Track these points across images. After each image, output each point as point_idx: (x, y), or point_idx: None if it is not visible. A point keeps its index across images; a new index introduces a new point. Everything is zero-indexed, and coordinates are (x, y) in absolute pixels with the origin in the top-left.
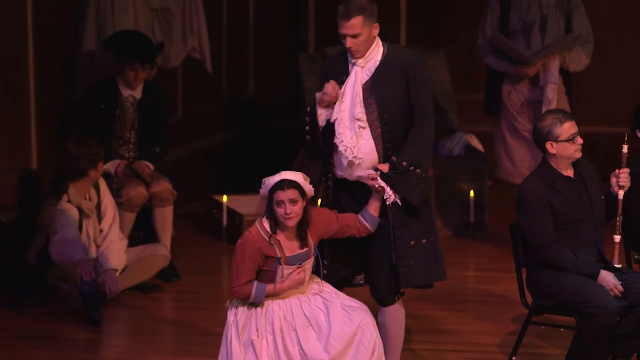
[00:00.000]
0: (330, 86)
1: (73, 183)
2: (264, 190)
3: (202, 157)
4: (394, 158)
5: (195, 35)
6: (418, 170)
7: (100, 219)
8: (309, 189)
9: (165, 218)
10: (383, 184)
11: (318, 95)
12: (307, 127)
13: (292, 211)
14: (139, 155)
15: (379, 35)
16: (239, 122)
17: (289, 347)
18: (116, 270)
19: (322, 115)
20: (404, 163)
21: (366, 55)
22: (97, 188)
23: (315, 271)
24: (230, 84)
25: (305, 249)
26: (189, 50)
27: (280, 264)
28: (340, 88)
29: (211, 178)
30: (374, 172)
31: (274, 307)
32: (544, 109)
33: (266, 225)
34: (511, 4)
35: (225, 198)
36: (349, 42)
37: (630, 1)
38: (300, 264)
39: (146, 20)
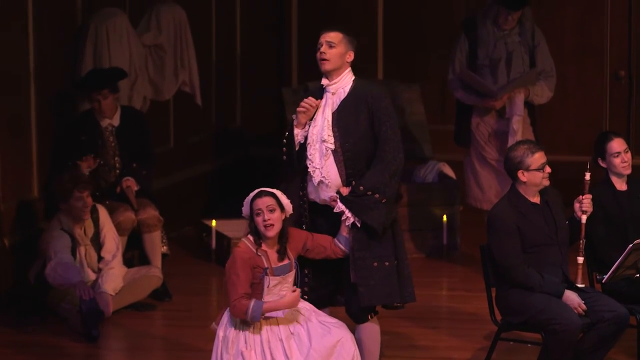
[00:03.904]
0: (308, 99)
1: (63, 208)
2: (245, 207)
3: (192, 184)
4: (354, 182)
5: (185, 70)
6: (377, 196)
7: (99, 247)
8: (286, 202)
9: (153, 243)
10: (342, 207)
11: (297, 110)
12: (284, 148)
13: (270, 218)
14: (123, 173)
15: (358, 71)
16: (226, 151)
17: (276, 356)
18: (111, 295)
19: (298, 135)
20: (361, 187)
21: (337, 81)
22: (95, 219)
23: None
24: (219, 116)
25: (287, 261)
26: (180, 84)
27: (267, 274)
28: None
29: (201, 204)
30: (335, 195)
31: (261, 320)
32: (509, 140)
33: (252, 240)
34: (478, 42)
35: (214, 222)
36: (324, 48)
37: (591, 38)
38: (284, 276)
39: (140, 55)
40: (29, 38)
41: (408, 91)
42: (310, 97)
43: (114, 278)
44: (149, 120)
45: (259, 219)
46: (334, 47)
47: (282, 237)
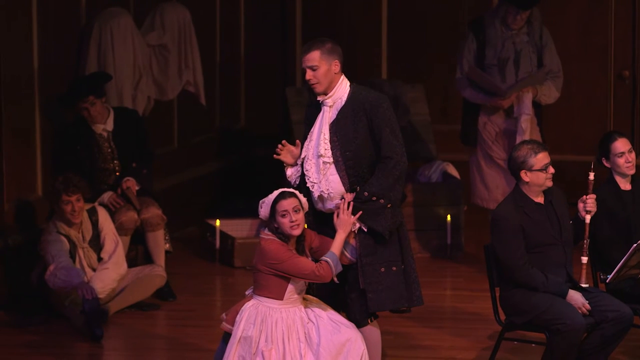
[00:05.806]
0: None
1: (57, 211)
2: (265, 208)
3: (196, 184)
4: (357, 188)
5: (190, 70)
6: (381, 201)
7: (100, 248)
8: (304, 200)
9: (157, 241)
10: None
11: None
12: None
13: (297, 219)
14: (123, 174)
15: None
16: (230, 151)
17: (294, 355)
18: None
19: (292, 175)
20: (366, 193)
21: (332, 94)
22: (95, 222)
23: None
24: (223, 116)
25: None
26: (184, 84)
27: None
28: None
29: (205, 203)
30: (340, 202)
31: (282, 316)
32: (517, 139)
33: (276, 237)
34: (486, 41)
35: (218, 222)
36: (308, 75)
37: (595, 39)
38: None
39: (144, 55)
40: (32, 38)
41: (413, 91)
42: (283, 141)
43: (104, 278)
44: (143, 118)
45: (285, 220)
46: (317, 68)
47: (301, 236)
